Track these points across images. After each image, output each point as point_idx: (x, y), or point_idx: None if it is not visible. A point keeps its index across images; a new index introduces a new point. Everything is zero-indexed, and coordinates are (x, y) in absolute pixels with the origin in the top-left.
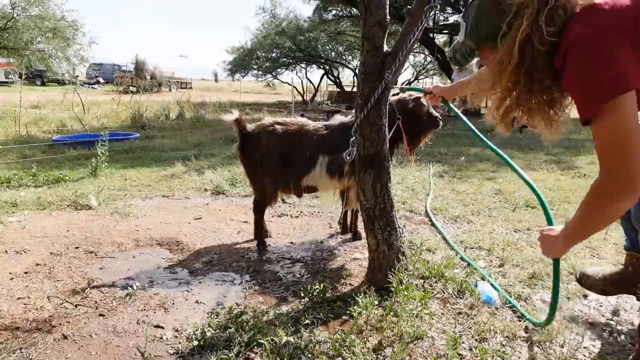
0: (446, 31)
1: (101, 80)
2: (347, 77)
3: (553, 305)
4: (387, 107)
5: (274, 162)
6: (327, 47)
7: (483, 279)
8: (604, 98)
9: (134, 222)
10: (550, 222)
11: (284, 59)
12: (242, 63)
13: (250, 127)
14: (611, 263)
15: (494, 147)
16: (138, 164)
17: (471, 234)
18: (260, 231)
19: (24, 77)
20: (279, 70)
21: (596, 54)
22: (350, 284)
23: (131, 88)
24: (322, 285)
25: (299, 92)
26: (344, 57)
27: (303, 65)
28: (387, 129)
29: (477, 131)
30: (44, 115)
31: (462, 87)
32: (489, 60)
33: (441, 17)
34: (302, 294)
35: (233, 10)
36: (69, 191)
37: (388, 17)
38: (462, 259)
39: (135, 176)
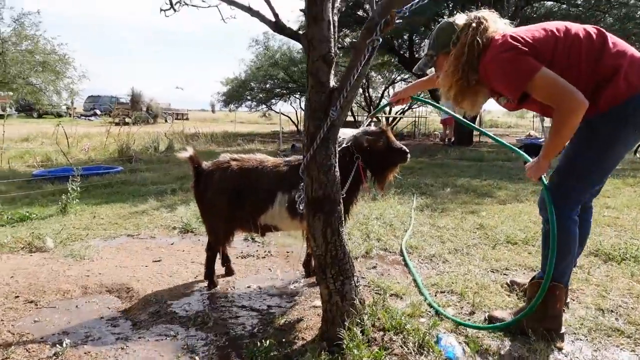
0: (421, 73)
1: (98, 112)
2: None
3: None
4: (337, 147)
5: (227, 200)
6: None
7: (450, 330)
8: (528, 77)
9: (87, 266)
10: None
11: (277, 90)
12: (235, 94)
13: (205, 164)
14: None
15: (471, 124)
16: (114, 199)
17: (445, 276)
18: (210, 270)
19: (19, 109)
20: (273, 100)
21: (509, 60)
22: (303, 338)
23: (127, 120)
24: (267, 342)
25: (292, 121)
26: None
27: (297, 96)
28: (337, 170)
29: (453, 113)
30: (31, 149)
31: (418, 85)
32: (443, 66)
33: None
34: (244, 354)
35: (229, 42)
36: (29, 231)
37: (333, 50)
38: (429, 305)
39: (105, 213)
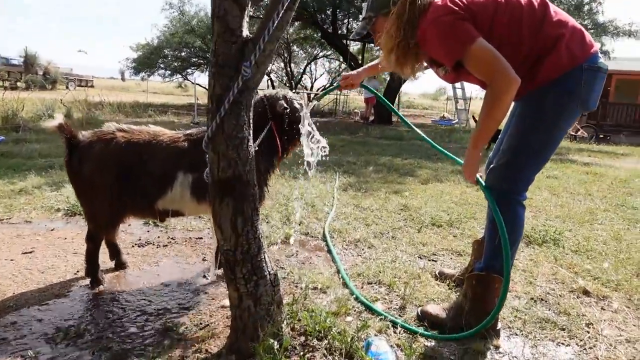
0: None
1: None
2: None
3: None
4: (251, 112)
5: (111, 179)
6: None
7: (380, 331)
8: (465, 45)
9: None
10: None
11: (194, 59)
12: (147, 61)
13: (83, 135)
14: None
15: (407, 121)
16: None
17: (371, 264)
18: (93, 265)
19: None
20: (189, 70)
21: (447, 24)
22: (207, 351)
23: (19, 84)
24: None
25: None
26: None
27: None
28: (251, 144)
29: (391, 106)
30: None
31: (367, 70)
32: (383, 27)
33: (355, 25)
34: None
35: (142, 5)
36: None
37: None
38: (356, 299)
39: None
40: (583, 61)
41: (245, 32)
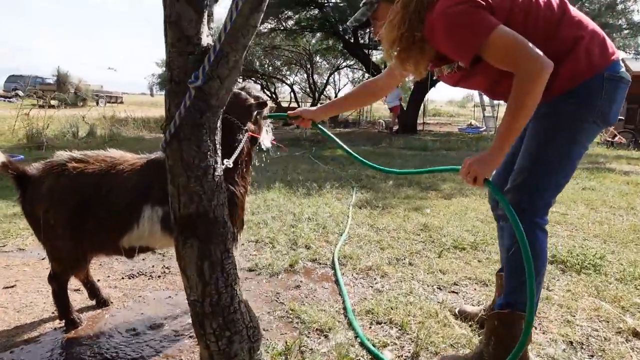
0: (381, 47)
1: (20, 93)
2: (285, 93)
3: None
4: (217, 136)
5: (65, 218)
6: (265, 62)
7: None
8: (485, 35)
9: None
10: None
11: None
12: None
13: (33, 169)
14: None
15: (355, 155)
16: None
17: (383, 297)
18: (63, 307)
19: None
20: None
21: (462, 13)
22: None
23: (52, 102)
24: None
25: None
26: (281, 72)
27: (239, 80)
28: (218, 174)
29: (341, 143)
30: None
31: (331, 107)
32: (385, 16)
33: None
34: None
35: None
36: None
37: None
38: (362, 344)
39: None
40: (604, 69)
41: (206, 41)
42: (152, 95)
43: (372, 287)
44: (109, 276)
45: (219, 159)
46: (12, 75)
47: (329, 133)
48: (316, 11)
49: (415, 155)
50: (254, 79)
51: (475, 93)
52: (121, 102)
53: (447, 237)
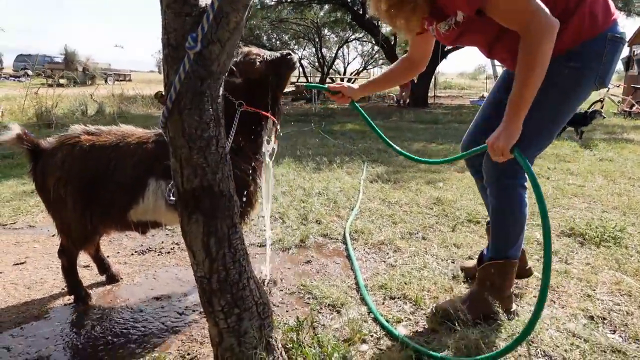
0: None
1: (30, 72)
2: None
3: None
4: (219, 104)
5: (76, 190)
6: (272, 37)
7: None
8: None
9: None
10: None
11: None
12: None
13: (46, 142)
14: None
15: (385, 138)
16: (9, 174)
17: (396, 272)
18: (72, 282)
19: None
20: None
21: None
22: None
23: (61, 81)
24: None
25: None
26: (290, 46)
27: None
28: (223, 144)
29: (375, 127)
30: None
31: (372, 85)
32: None
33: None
34: None
35: None
36: None
37: None
38: (375, 320)
39: None
40: (607, 29)
41: (204, 0)
42: (160, 72)
43: (384, 262)
44: (118, 252)
45: (222, 129)
46: (20, 54)
47: (365, 115)
48: None
49: (425, 129)
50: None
51: (488, 64)
52: (129, 80)
53: (460, 210)
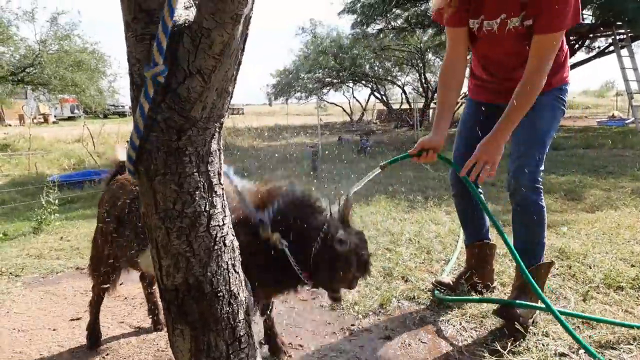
0: None
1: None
2: (396, 95)
3: None
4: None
5: (110, 226)
6: (375, 65)
7: None
8: (568, 25)
9: None
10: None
11: (328, 79)
12: (284, 86)
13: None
14: None
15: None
16: None
17: None
18: (92, 320)
19: (86, 111)
20: (324, 90)
21: None
22: None
23: None
24: None
25: (345, 112)
26: (392, 73)
27: (350, 85)
28: (221, 219)
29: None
30: (69, 150)
31: (443, 121)
32: None
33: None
34: None
35: (279, 30)
36: None
37: None
38: None
39: (76, 233)
40: (568, 80)
41: (182, 14)
42: (270, 105)
43: (486, 345)
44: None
45: (218, 200)
46: None
47: (456, 166)
48: (426, 6)
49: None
50: (364, 82)
51: (619, 80)
52: (242, 113)
53: (593, 269)
